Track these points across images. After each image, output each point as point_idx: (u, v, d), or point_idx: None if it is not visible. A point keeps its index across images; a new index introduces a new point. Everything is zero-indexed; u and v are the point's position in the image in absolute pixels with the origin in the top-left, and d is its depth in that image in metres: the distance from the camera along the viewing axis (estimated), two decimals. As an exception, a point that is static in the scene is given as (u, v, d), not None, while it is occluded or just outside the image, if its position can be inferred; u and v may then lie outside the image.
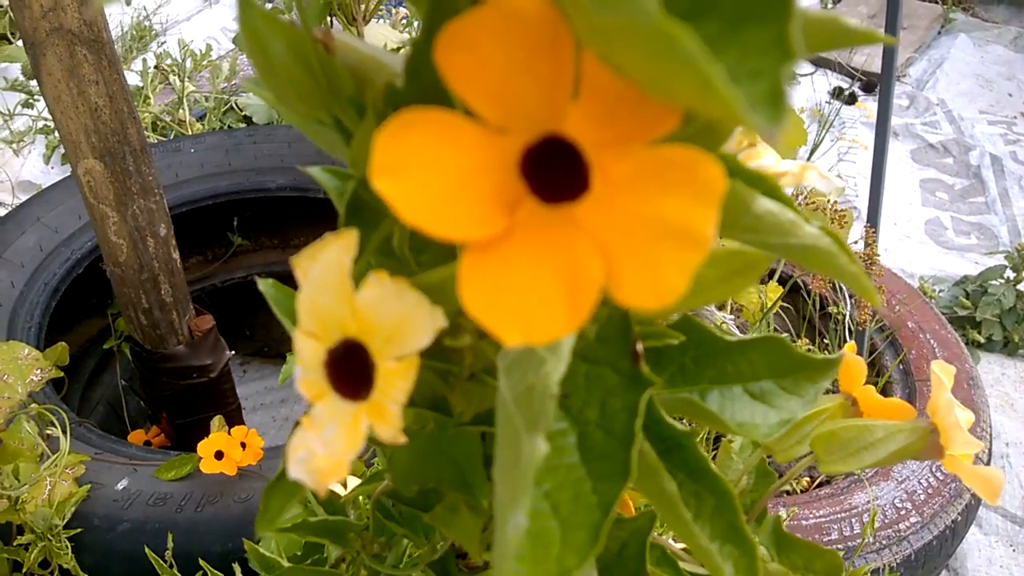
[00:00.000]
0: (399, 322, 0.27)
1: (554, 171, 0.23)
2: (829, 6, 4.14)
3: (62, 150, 2.63)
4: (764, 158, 0.38)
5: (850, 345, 0.53)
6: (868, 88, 3.55)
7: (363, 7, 1.60)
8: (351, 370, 0.28)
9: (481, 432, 0.38)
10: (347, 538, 0.56)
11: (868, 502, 1.58)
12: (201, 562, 1.11)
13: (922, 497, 1.60)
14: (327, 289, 0.28)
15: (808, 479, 1.84)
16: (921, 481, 1.63)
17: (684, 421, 0.41)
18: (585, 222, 0.22)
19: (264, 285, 0.40)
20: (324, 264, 0.28)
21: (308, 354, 0.28)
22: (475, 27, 0.21)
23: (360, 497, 0.69)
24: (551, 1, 0.21)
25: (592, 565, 0.36)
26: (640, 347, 0.29)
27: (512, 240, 0.22)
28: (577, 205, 0.22)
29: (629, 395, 0.28)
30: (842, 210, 1.85)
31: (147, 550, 1.17)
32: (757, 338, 0.37)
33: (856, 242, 1.93)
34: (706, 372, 0.37)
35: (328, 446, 0.27)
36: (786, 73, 0.18)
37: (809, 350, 0.47)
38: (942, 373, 0.48)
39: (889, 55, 1.68)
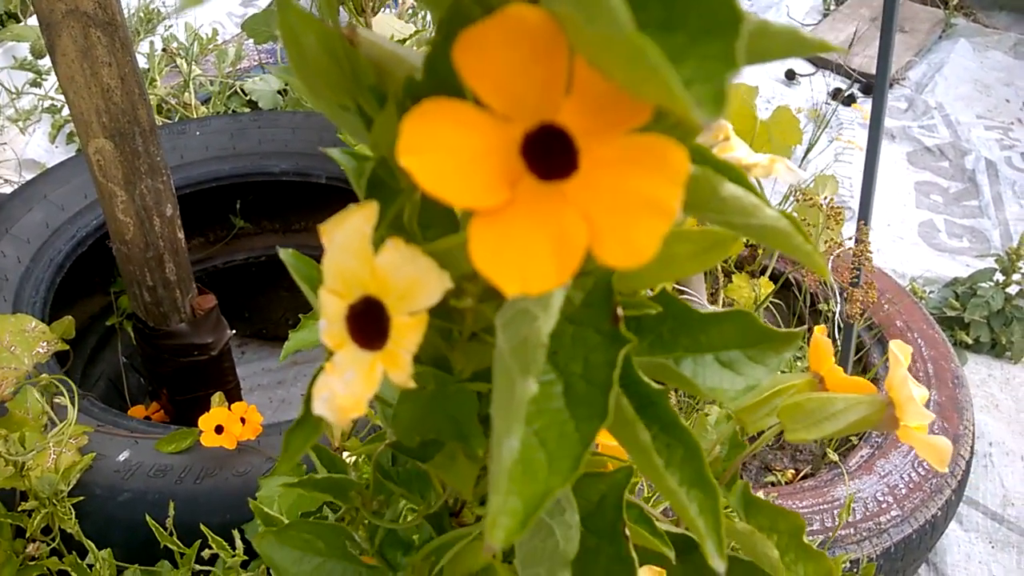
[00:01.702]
0: (412, 282, 0.31)
1: (548, 154, 0.27)
2: (832, 7, 4.17)
3: (67, 129, 2.66)
4: (737, 151, 0.42)
5: (820, 328, 0.58)
6: (867, 90, 3.59)
7: (372, -1, 1.64)
8: (368, 324, 0.33)
9: (476, 391, 0.43)
10: (349, 496, 0.60)
11: (847, 498, 1.63)
12: (203, 527, 1.15)
13: (903, 491, 1.64)
14: (350, 252, 0.32)
15: (793, 471, 1.88)
16: (903, 476, 1.66)
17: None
18: (573, 196, 0.27)
19: (284, 254, 0.44)
20: (348, 231, 0.32)
21: (332, 309, 0.33)
22: (488, 33, 0.26)
23: (360, 461, 0.73)
24: (550, 14, 0.25)
25: (574, 506, 0.40)
26: (620, 311, 0.33)
27: (513, 209, 0.27)
28: (567, 182, 0.27)
29: (609, 351, 0.32)
30: (837, 207, 1.90)
31: (148, 519, 1.21)
32: (728, 311, 0.41)
33: (848, 239, 1.97)
34: (681, 341, 0.42)
35: (348, 387, 0.32)
36: (730, 78, 0.22)
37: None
38: (899, 351, 0.52)
39: (884, 57, 1.72)
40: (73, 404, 1.36)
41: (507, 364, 0.30)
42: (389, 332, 0.32)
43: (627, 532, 0.42)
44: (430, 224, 0.42)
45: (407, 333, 0.32)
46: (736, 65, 0.22)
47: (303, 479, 0.59)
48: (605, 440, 0.45)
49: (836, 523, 1.56)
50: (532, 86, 0.27)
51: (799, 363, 1.87)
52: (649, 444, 0.35)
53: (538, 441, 0.30)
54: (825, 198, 1.63)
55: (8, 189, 2.50)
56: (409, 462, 0.58)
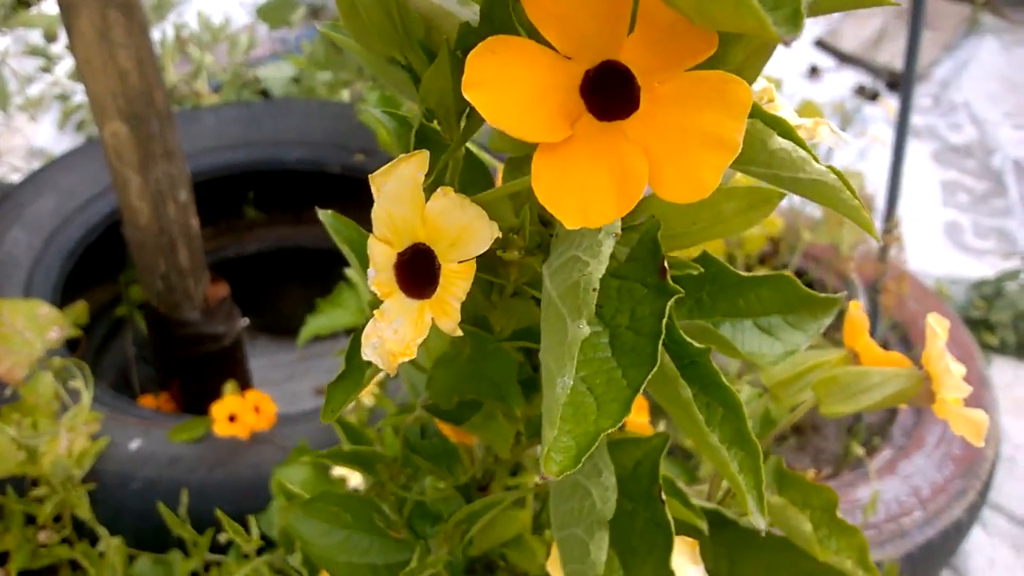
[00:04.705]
0: (462, 229, 0.32)
1: (607, 94, 0.28)
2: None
3: (76, 118, 2.66)
4: (781, 111, 0.42)
5: (855, 303, 0.57)
6: (892, 86, 3.56)
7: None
8: (417, 272, 0.33)
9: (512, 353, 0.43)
10: (376, 468, 0.60)
11: (871, 495, 1.60)
12: (218, 512, 1.14)
13: (926, 493, 1.60)
14: (401, 200, 0.32)
15: (814, 472, 1.86)
16: (926, 478, 1.64)
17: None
18: (633, 133, 0.27)
19: (324, 215, 0.44)
20: (399, 179, 0.33)
21: (381, 257, 0.33)
22: (558, -30, 0.26)
23: (384, 438, 0.73)
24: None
25: (610, 468, 0.40)
26: (667, 264, 0.33)
27: (573, 145, 0.28)
28: (627, 122, 0.27)
29: (656, 303, 0.33)
30: (867, 195, 1.88)
31: (161, 506, 1.20)
32: (768, 275, 0.41)
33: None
34: (720, 306, 0.42)
35: (397, 333, 0.32)
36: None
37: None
38: (936, 325, 0.52)
39: (912, 51, 1.70)
40: (87, 388, 1.36)
41: (557, 309, 0.30)
42: (438, 280, 0.32)
43: (663, 496, 0.42)
44: (467, 185, 0.42)
45: (457, 280, 0.32)
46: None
47: (330, 450, 0.59)
48: (631, 418, 0.45)
49: (859, 522, 1.54)
50: (597, 23, 0.27)
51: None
52: (690, 400, 0.35)
53: (586, 387, 0.31)
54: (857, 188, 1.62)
55: (17, 176, 2.50)
56: (437, 437, 0.58)
